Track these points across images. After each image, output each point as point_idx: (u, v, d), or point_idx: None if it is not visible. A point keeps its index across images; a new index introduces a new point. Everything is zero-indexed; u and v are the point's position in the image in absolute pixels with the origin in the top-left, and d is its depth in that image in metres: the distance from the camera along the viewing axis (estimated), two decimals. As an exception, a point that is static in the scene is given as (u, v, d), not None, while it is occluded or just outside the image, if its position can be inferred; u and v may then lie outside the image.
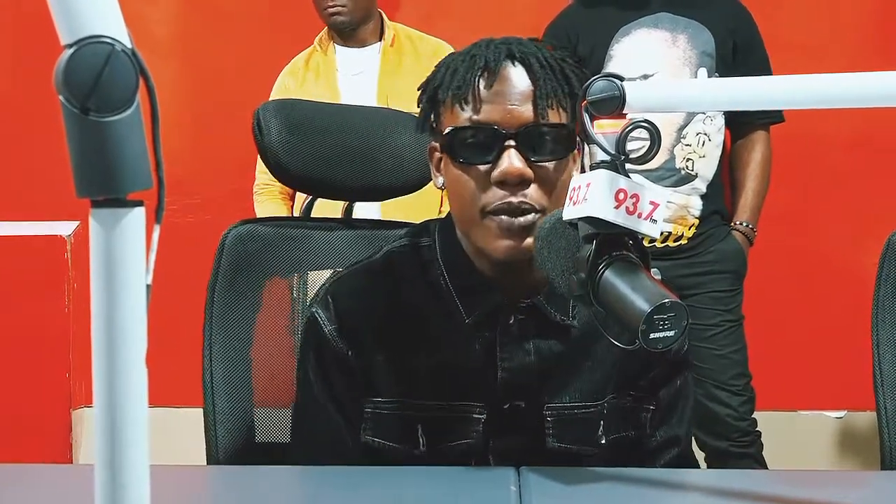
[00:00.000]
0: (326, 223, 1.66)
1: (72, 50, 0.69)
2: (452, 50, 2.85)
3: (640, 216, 1.07)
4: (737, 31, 2.65)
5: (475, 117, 1.30)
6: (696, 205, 2.63)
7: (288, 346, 1.60)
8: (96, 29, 0.70)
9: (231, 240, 1.58)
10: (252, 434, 1.56)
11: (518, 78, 1.30)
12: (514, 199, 1.28)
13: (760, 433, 2.72)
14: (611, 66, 2.61)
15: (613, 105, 1.08)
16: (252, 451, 1.56)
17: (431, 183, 1.44)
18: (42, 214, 3.01)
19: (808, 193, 3.14)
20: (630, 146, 1.08)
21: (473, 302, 1.36)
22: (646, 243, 1.11)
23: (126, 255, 0.71)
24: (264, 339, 1.59)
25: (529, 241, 1.27)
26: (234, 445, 1.55)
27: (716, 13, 2.64)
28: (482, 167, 1.30)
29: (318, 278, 1.57)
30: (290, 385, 1.50)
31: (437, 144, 1.37)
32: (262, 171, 2.88)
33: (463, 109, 1.31)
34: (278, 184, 2.84)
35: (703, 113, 2.60)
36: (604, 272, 1.06)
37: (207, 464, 1.55)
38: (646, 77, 2.59)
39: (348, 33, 2.83)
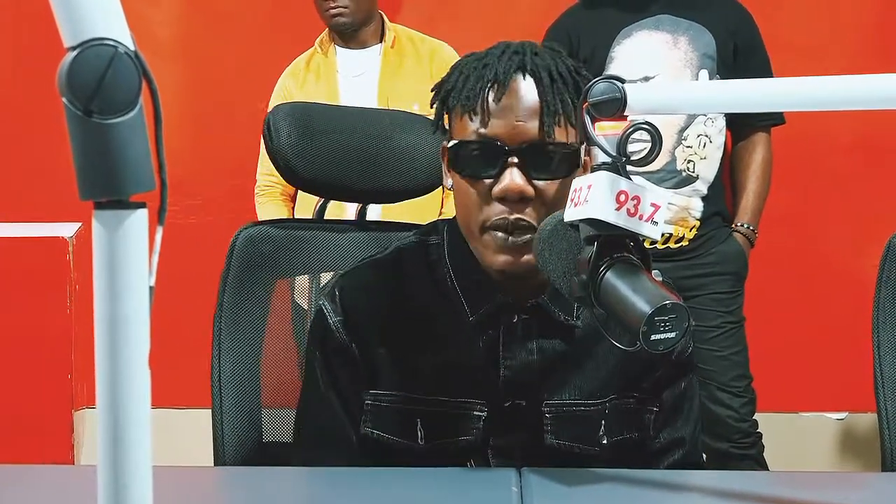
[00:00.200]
0: (339, 225, 1.66)
1: (75, 52, 0.69)
2: (453, 51, 2.87)
3: (641, 218, 1.07)
4: (738, 32, 2.65)
5: (482, 130, 1.30)
6: (697, 206, 2.63)
7: (298, 348, 1.60)
8: (99, 31, 0.70)
9: (242, 241, 1.58)
10: (259, 434, 1.56)
11: (527, 92, 1.29)
12: (511, 216, 1.28)
13: (761, 435, 2.72)
14: (612, 68, 2.61)
15: (614, 107, 1.08)
16: (259, 451, 1.56)
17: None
18: (44, 216, 3.01)
19: (808, 195, 3.15)
20: (631, 148, 1.08)
21: (478, 300, 1.37)
22: (647, 245, 1.11)
23: (129, 256, 0.72)
24: (274, 340, 1.59)
25: (527, 257, 1.28)
26: (241, 445, 1.55)
27: (717, 15, 2.64)
28: (485, 181, 1.30)
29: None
30: (298, 386, 1.50)
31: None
32: (263, 173, 2.89)
33: (471, 120, 1.31)
34: (280, 185, 2.85)
35: (704, 115, 2.60)
36: (605, 274, 1.06)
37: (214, 464, 1.55)
38: (647, 79, 2.59)
39: (349, 35, 2.83)
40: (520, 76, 1.30)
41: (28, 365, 2.80)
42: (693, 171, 2.62)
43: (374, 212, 2.46)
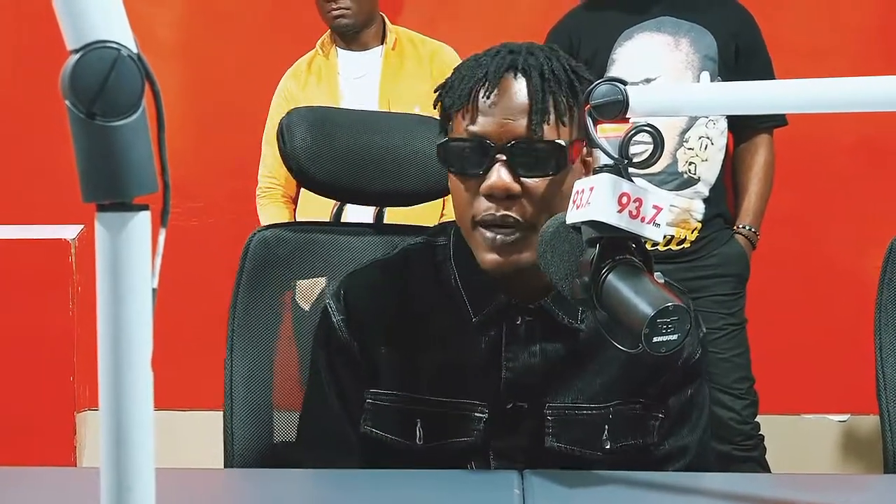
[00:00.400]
0: (355, 228, 1.66)
1: (78, 55, 0.70)
2: (454, 53, 2.87)
3: (643, 220, 1.07)
4: (739, 34, 2.65)
5: (471, 128, 1.31)
6: (699, 208, 2.63)
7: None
8: (102, 34, 0.70)
9: (256, 243, 1.58)
10: (269, 435, 1.57)
11: (516, 91, 1.30)
12: (498, 213, 1.29)
13: (763, 437, 2.72)
14: (613, 70, 2.61)
15: (616, 109, 1.08)
16: (269, 452, 1.56)
17: None
18: (46, 218, 3.01)
19: (810, 197, 3.14)
20: (633, 150, 1.08)
21: (481, 301, 1.37)
22: (648, 247, 1.11)
23: (132, 258, 0.72)
24: (287, 342, 1.59)
25: (518, 256, 1.29)
26: (251, 446, 1.55)
27: (718, 17, 2.64)
28: (475, 177, 1.30)
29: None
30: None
31: None
32: (264, 175, 2.89)
33: (463, 118, 1.32)
34: (281, 187, 2.85)
35: (706, 117, 2.60)
36: (607, 276, 1.06)
37: (224, 465, 1.55)
38: (648, 81, 2.59)
39: (350, 37, 2.84)
40: (510, 75, 1.30)
41: (30, 367, 2.80)
42: (694, 173, 2.62)
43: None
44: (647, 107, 1.09)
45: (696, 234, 2.63)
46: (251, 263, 1.57)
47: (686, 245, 2.63)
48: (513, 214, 1.29)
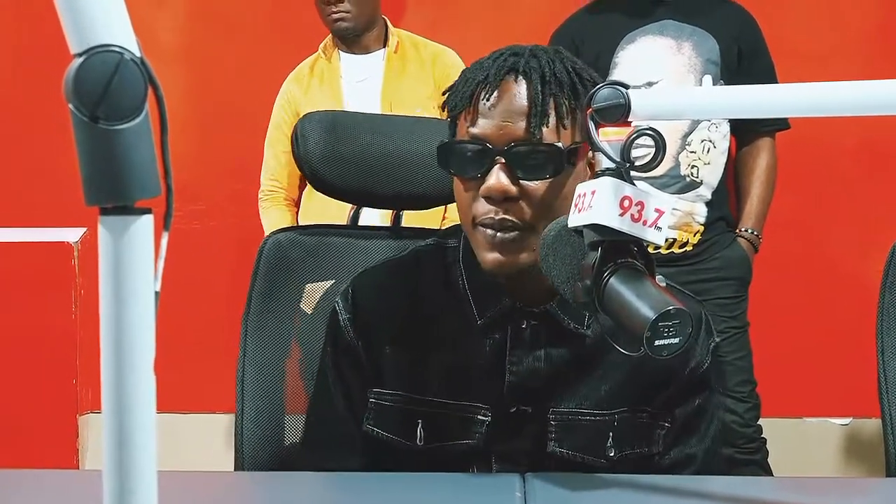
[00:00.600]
0: (371, 232, 1.65)
1: (81, 59, 0.70)
2: (455, 56, 2.87)
3: (645, 223, 1.07)
4: (742, 38, 2.65)
5: (472, 130, 1.31)
6: (701, 212, 2.63)
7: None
8: (105, 38, 0.70)
9: (270, 246, 1.58)
10: (281, 438, 1.57)
11: (516, 94, 1.29)
12: (496, 215, 1.29)
13: (766, 440, 2.72)
14: (616, 74, 2.62)
15: (618, 113, 1.08)
16: (280, 455, 1.56)
17: None
18: (49, 221, 3.02)
19: (813, 200, 3.14)
20: (635, 153, 1.08)
21: (487, 303, 1.37)
22: (651, 250, 1.11)
23: (134, 262, 0.72)
24: (302, 345, 1.59)
25: (518, 255, 1.29)
26: (262, 449, 1.55)
27: (721, 20, 2.64)
28: (474, 179, 1.30)
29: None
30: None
31: None
32: (267, 178, 2.89)
33: (465, 121, 1.32)
34: (283, 190, 2.86)
35: (708, 120, 2.60)
36: (609, 279, 1.06)
37: (234, 467, 1.55)
38: (650, 84, 2.59)
39: (352, 40, 2.84)
40: (511, 77, 1.30)
41: (33, 369, 2.80)
42: (697, 177, 2.62)
43: (375, 218, 2.45)
44: (648, 110, 1.09)
45: (698, 237, 2.63)
46: (265, 266, 1.57)
47: (688, 248, 2.63)
48: (511, 217, 1.29)
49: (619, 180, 1.07)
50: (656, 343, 1.02)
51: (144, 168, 0.72)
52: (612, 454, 1.38)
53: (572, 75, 1.31)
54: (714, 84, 2.61)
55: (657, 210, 1.07)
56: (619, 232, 1.07)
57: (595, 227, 1.08)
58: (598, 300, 1.07)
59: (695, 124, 2.61)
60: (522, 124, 1.28)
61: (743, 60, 2.65)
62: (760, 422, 2.70)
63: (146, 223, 0.72)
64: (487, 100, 1.30)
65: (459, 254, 1.41)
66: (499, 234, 1.29)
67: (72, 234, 2.87)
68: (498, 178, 1.28)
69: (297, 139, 1.57)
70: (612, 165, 1.08)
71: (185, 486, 1.33)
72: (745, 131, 2.74)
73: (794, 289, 3.15)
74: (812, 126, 2.91)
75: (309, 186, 2.81)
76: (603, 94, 1.09)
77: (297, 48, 2.96)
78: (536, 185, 1.29)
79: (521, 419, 1.37)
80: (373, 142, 1.58)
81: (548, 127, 1.28)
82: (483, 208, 1.30)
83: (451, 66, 2.84)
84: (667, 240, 2.59)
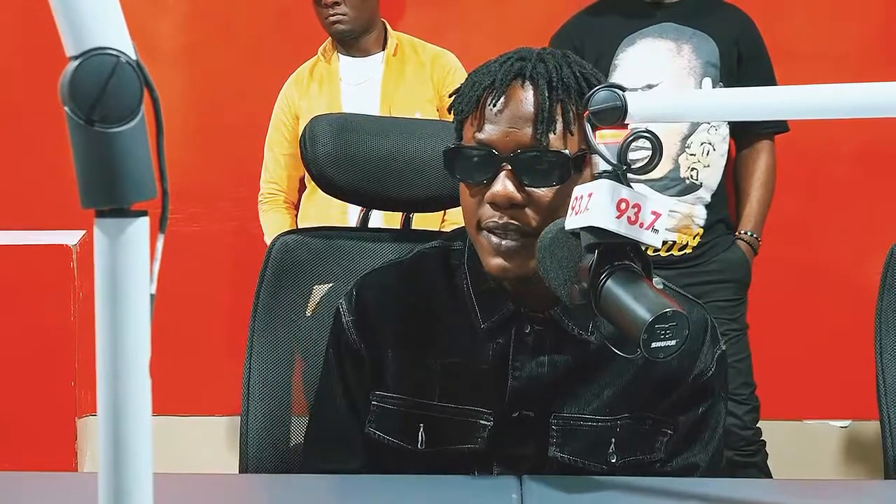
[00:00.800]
0: (378, 234, 1.65)
1: (77, 62, 0.70)
2: (454, 58, 2.87)
3: (641, 226, 1.07)
4: (741, 41, 2.66)
5: (478, 136, 1.30)
6: (701, 214, 2.63)
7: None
8: (101, 41, 0.70)
9: (278, 248, 1.58)
10: (286, 440, 1.57)
11: (523, 100, 1.28)
12: (501, 220, 1.28)
13: (765, 442, 2.72)
14: (616, 76, 2.62)
15: (615, 115, 1.08)
16: (285, 458, 1.56)
17: None
18: (48, 224, 3.02)
19: (812, 203, 3.14)
20: (634, 156, 1.08)
21: (490, 308, 1.37)
22: (650, 252, 1.11)
23: (130, 264, 0.72)
24: (308, 347, 1.59)
25: (522, 262, 1.28)
26: (267, 451, 1.55)
27: (720, 23, 2.65)
28: (480, 184, 1.30)
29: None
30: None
31: None
32: (267, 181, 2.90)
33: (472, 126, 1.32)
34: (283, 193, 2.86)
35: (708, 122, 2.60)
36: (606, 282, 1.06)
37: (239, 469, 1.55)
38: (650, 87, 2.60)
39: (351, 43, 2.84)
40: (518, 83, 1.29)
41: (32, 372, 2.81)
42: (696, 179, 2.62)
43: (377, 220, 2.45)
44: (645, 113, 1.09)
45: (697, 239, 2.63)
46: (273, 268, 1.57)
47: (688, 251, 2.63)
48: (516, 223, 1.28)
49: (615, 183, 1.07)
50: (653, 345, 1.03)
51: (140, 171, 0.72)
52: (613, 460, 1.37)
53: (580, 80, 1.30)
54: (714, 86, 2.61)
55: (654, 212, 1.07)
56: (616, 234, 1.07)
57: (592, 230, 1.08)
58: (594, 302, 1.07)
59: (694, 127, 2.61)
60: (529, 131, 1.28)
61: (742, 63, 2.65)
62: (760, 424, 2.70)
63: (142, 225, 0.73)
64: (494, 105, 1.29)
65: (464, 257, 1.40)
66: (503, 241, 1.29)
67: (71, 237, 2.87)
68: (504, 184, 1.27)
69: (305, 142, 1.57)
70: (609, 168, 1.08)
71: (183, 488, 1.34)
72: (744, 134, 2.74)
73: (794, 291, 3.15)
74: (811, 129, 2.91)
75: (308, 189, 2.82)
76: (599, 97, 1.09)
77: (297, 51, 2.96)
78: (542, 192, 1.28)
79: (523, 424, 1.37)
80: (381, 144, 1.58)
81: (555, 134, 1.28)
82: (488, 213, 1.29)
83: (451, 68, 2.84)
84: (665, 242, 2.59)
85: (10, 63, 3.21)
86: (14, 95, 3.21)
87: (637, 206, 1.07)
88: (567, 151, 1.28)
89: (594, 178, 1.11)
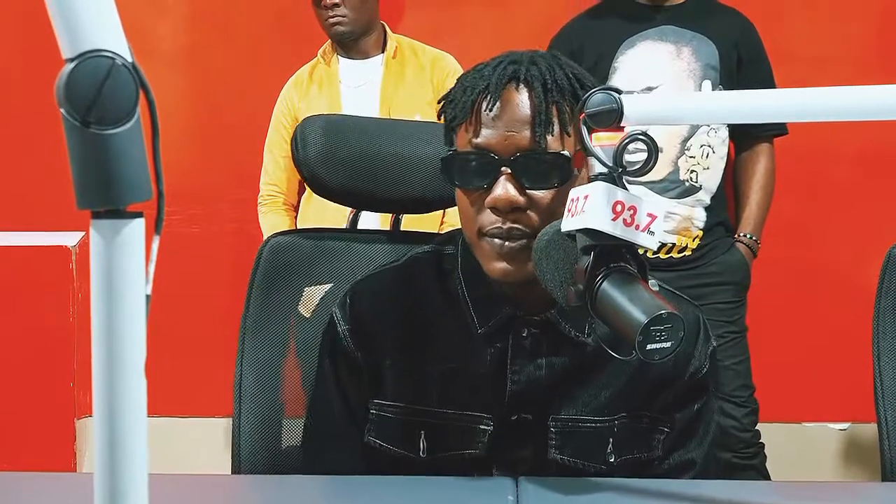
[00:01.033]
0: (369, 236, 1.66)
1: (73, 64, 0.70)
2: (454, 61, 2.87)
3: (637, 228, 1.07)
4: (741, 43, 2.66)
5: (475, 141, 1.30)
6: (700, 216, 2.64)
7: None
8: (97, 43, 0.71)
9: (269, 249, 1.58)
10: (278, 442, 1.57)
11: (520, 102, 1.29)
12: (504, 225, 1.28)
13: (764, 445, 2.72)
14: (615, 78, 2.62)
15: (611, 118, 1.08)
16: (277, 458, 1.56)
17: None
18: (47, 225, 3.02)
19: (811, 205, 3.14)
20: (633, 158, 1.09)
21: (487, 313, 1.37)
22: (650, 255, 1.11)
23: (126, 265, 0.72)
24: (300, 348, 1.59)
25: (527, 264, 1.27)
26: (259, 452, 1.55)
27: (720, 26, 2.65)
28: (479, 190, 1.30)
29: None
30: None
31: None
32: (266, 182, 2.90)
33: (467, 131, 1.31)
34: (282, 195, 2.86)
35: (707, 125, 2.61)
36: (601, 284, 1.06)
37: (231, 470, 1.56)
38: (650, 89, 2.60)
39: (350, 45, 2.84)
40: (513, 86, 1.29)
41: (31, 373, 2.81)
42: (696, 182, 2.62)
43: (374, 222, 2.46)
44: (641, 115, 1.09)
45: (697, 242, 2.64)
46: (263, 269, 1.58)
47: (687, 253, 2.63)
48: (519, 226, 1.28)
49: (611, 185, 1.07)
50: (648, 347, 1.03)
51: (136, 172, 0.72)
52: (612, 460, 1.38)
53: (573, 81, 1.30)
54: (713, 89, 2.61)
55: (649, 214, 1.07)
56: (612, 236, 1.07)
57: (588, 232, 1.08)
58: (590, 304, 1.07)
59: (694, 129, 2.61)
60: (527, 133, 1.28)
61: (742, 66, 2.65)
62: (759, 426, 2.70)
63: (137, 227, 0.73)
64: (490, 110, 1.29)
65: (457, 262, 1.40)
66: (506, 243, 1.29)
67: (70, 238, 2.87)
68: (505, 188, 1.27)
69: (296, 142, 1.57)
70: (605, 170, 1.08)
71: (181, 490, 1.34)
72: (743, 137, 2.74)
73: (793, 293, 3.15)
74: (810, 131, 2.91)
75: (307, 191, 2.82)
76: (595, 100, 1.09)
77: (297, 53, 2.97)
78: (543, 194, 1.28)
79: (522, 427, 1.37)
80: (372, 145, 1.58)
81: (552, 135, 1.28)
82: (489, 219, 1.29)
83: (450, 71, 2.84)
84: (665, 244, 2.59)
85: (9, 64, 3.22)
86: (13, 96, 3.22)
87: (633, 208, 1.07)
88: (566, 152, 1.28)
89: (590, 180, 1.11)
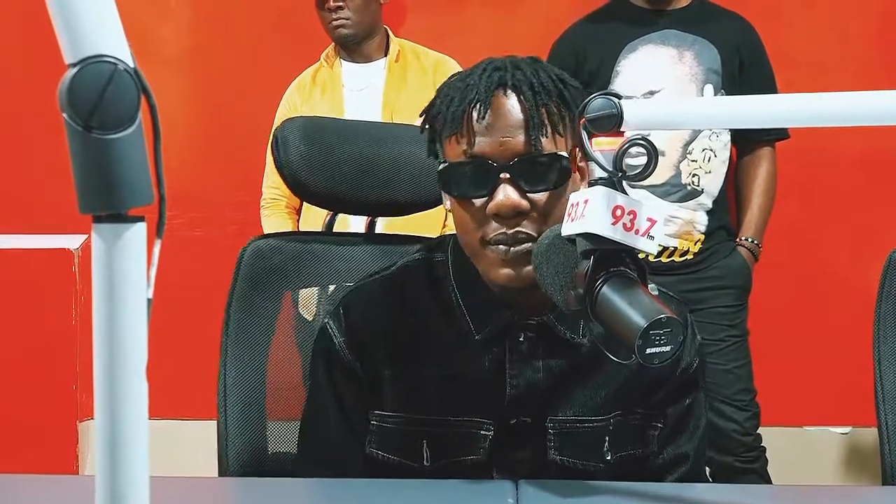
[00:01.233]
0: (349, 238, 1.66)
1: (75, 69, 0.71)
2: (456, 65, 2.88)
3: (637, 232, 1.07)
4: (743, 48, 2.67)
5: (469, 150, 1.30)
6: (702, 220, 2.64)
7: (301, 359, 1.61)
8: (99, 48, 0.71)
9: (250, 253, 1.59)
10: (264, 444, 1.57)
11: (511, 108, 1.29)
12: (509, 231, 1.28)
13: (765, 449, 2.72)
14: (617, 82, 2.63)
15: (611, 123, 1.08)
16: (264, 463, 1.56)
17: None
18: (50, 228, 3.03)
19: (812, 209, 3.15)
20: (633, 162, 1.09)
21: (483, 319, 1.37)
22: (651, 259, 1.12)
23: (127, 269, 0.73)
24: (281, 351, 1.59)
25: (529, 268, 1.27)
26: (246, 457, 1.55)
27: (722, 30, 2.66)
28: (479, 200, 1.30)
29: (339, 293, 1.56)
30: (303, 397, 1.51)
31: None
32: (268, 186, 2.90)
33: (458, 142, 1.31)
34: (285, 198, 2.86)
35: (709, 129, 2.61)
36: (601, 288, 1.07)
37: (218, 474, 1.56)
38: (652, 93, 2.60)
39: (353, 48, 2.85)
40: (501, 92, 1.29)
41: (33, 375, 2.81)
42: (698, 185, 2.62)
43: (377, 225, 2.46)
44: (641, 120, 1.10)
45: (698, 245, 2.64)
46: (245, 273, 1.58)
47: (689, 257, 2.63)
48: (524, 230, 1.28)
49: (611, 190, 1.08)
50: (648, 351, 1.03)
51: (137, 176, 0.72)
52: (608, 457, 1.39)
53: (557, 83, 1.31)
54: (715, 93, 2.62)
55: (649, 219, 1.08)
56: (612, 241, 1.07)
57: (588, 236, 1.09)
58: (590, 308, 1.08)
59: (696, 133, 2.61)
60: (522, 137, 1.28)
61: (744, 70, 2.66)
62: (760, 430, 2.70)
63: (139, 231, 0.73)
64: (482, 118, 1.29)
65: (449, 269, 1.40)
66: (512, 248, 1.29)
67: (72, 241, 2.87)
68: (507, 194, 1.27)
69: (277, 144, 1.58)
70: (605, 175, 1.09)
71: (179, 492, 1.34)
72: (745, 140, 2.74)
73: (794, 298, 3.15)
74: (811, 136, 2.91)
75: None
76: (596, 104, 1.09)
77: (299, 56, 2.97)
78: (544, 197, 1.28)
79: (521, 430, 1.37)
80: (350, 148, 1.59)
81: (546, 137, 1.29)
82: (493, 228, 1.29)
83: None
84: (666, 248, 2.59)
85: (12, 68, 3.22)
86: (16, 100, 3.23)
87: (633, 212, 1.07)
88: (563, 152, 1.29)
89: (590, 184, 1.11)
